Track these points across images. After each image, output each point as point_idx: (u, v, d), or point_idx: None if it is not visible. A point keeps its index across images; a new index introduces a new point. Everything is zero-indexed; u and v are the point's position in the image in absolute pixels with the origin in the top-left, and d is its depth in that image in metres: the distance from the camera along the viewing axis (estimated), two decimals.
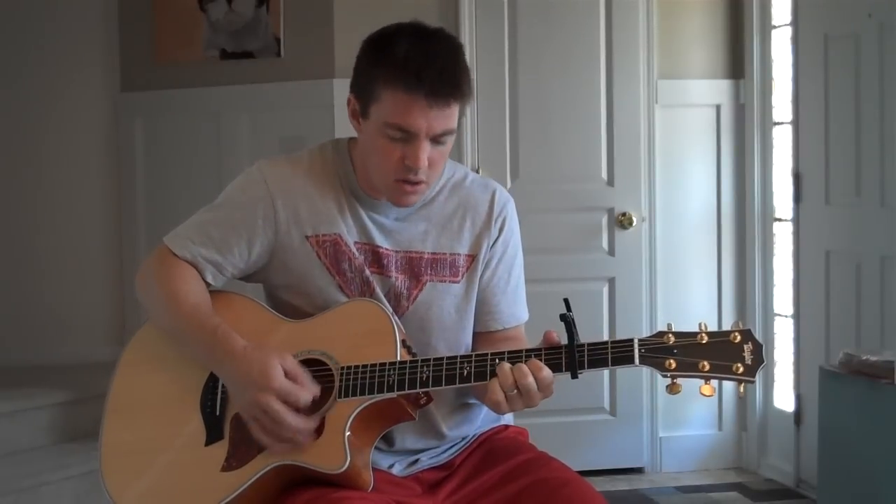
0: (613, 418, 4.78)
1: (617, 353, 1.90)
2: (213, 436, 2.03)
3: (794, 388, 4.55)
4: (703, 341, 1.88)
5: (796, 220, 4.51)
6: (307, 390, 1.95)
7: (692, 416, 4.76)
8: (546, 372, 1.90)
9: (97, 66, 4.96)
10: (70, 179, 4.96)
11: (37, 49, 4.91)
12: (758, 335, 5.13)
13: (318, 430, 1.96)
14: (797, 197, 4.49)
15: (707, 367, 1.86)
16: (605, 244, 4.75)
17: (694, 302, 4.83)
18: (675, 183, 4.79)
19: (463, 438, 2.20)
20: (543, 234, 4.57)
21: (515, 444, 2.18)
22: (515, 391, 1.89)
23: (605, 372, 4.51)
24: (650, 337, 1.90)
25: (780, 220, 4.71)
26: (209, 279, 2.11)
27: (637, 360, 1.88)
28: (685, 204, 4.81)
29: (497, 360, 1.92)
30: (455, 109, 2.02)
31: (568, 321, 1.90)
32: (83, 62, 4.96)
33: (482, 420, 2.21)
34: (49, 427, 4.19)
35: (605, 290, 4.76)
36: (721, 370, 1.86)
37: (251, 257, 2.11)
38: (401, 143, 2.00)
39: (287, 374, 1.95)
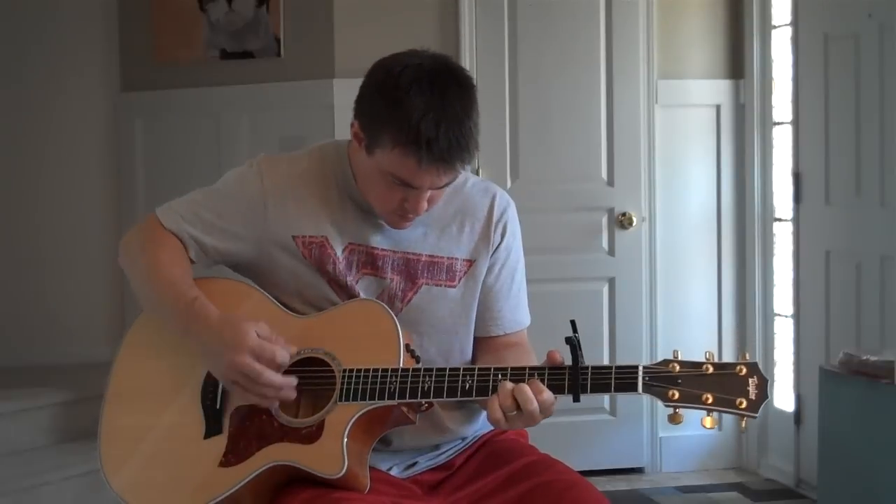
0: (613, 418, 4.78)
1: (620, 380, 1.89)
2: (211, 429, 2.03)
3: (794, 388, 4.55)
4: (709, 372, 1.86)
5: (796, 220, 4.51)
6: (282, 350, 1.96)
7: (692, 416, 4.75)
8: (547, 395, 1.89)
9: (97, 66, 4.96)
10: (70, 179, 4.96)
11: (37, 49, 4.90)
12: (758, 335, 5.13)
13: (318, 432, 1.96)
14: (797, 197, 4.49)
15: (710, 400, 1.85)
16: (605, 244, 4.75)
17: (694, 302, 4.83)
18: (675, 183, 4.79)
19: (462, 439, 2.19)
20: (543, 234, 4.57)
21: (517, 445, 2.17)
22: (515, 412, 1.88)
23: None
24: (655, 365, 1.89)
25: (780, 220, 4.71)
26: (192, 256, 2.12)
27: (640, 389, 1.88)
28: (685, 204, 4.81)
29: (500, 377, 1.91)
30: (460, 167, 2.00)
31: (573, 344, 1.89)
32: (83, 62, 4.96)
33: (482, 421, 2.20)
34: (49, 427, 4.19)
35: (605, 290, 4.76)
36: (724, 404, 1.84)
37: (234, 248, 2.12)
38: (402, 187, 2.00)
39: (260, 336, 1.96)
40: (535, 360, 2.12)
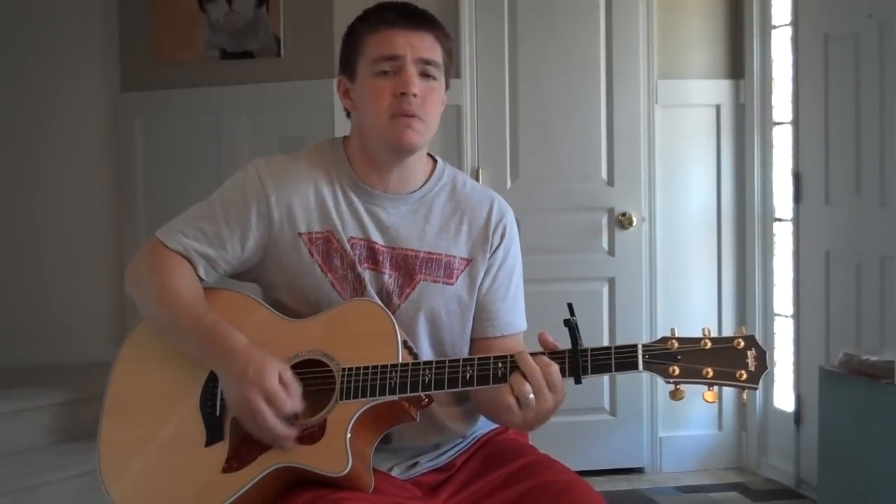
0: (613, 418, 4.78)
1: (620, 359, 1.90)
2: (212, 436, 2.03)
3: (794, 388, 4.55)
4: (707, 347, 1.88)
5: (796, 220, 4.51)
6: (293, 402, 1.96)
7: (692, 416, 4.76)
8: (555, 367, 1.90)
9: (97, 66, 4.96)
10: (70, 179, 4.96)
11: (37, 49, 4.91)
12: (758, 335, 5.12)
13: (320, 432, 1.96)
14: (797, 197, 4.49)
15: (710, 374, 1.87)
16: (605, 244, 4.75)
17: (694, 302, 4.83)
18: (675, 183, 4.79)
19: (463, 438, 2.19)
20: (543, 234, 4.58)
21: (516, 446, 2.18)
22: (531, 395, 1.88)
23: None
24: (653, 343, 1.90)
25: (780, 220, 4.71)
26: (201, 273, 2.11)
27: (641, 366, 1.88)
28: (685, 204, 4.81)
29: (500, 364, 1.92)
30: (434, 41, 2.11)
31: (572, 326, 1.90)
32: (83, 62, 4.96)
33: (482, 421, 2.21)
34: (49, 427, 4.19)
35: (605, 290, 4.76)
36: (724, 377, 1.86)
37: (244, 254, 2.12)
38: (390, 76, 2.07)
39: (281, 380, 1.96)
40: None
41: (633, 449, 4.79)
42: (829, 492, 3.77)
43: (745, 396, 1.88)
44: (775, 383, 4.73)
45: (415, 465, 2.15)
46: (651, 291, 4.77)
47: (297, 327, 2.07)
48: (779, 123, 4.70)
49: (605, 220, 4.75)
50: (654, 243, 4.77)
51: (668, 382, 1.88)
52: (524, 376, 1.89)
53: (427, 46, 2.09)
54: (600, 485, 4.46)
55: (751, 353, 1.87)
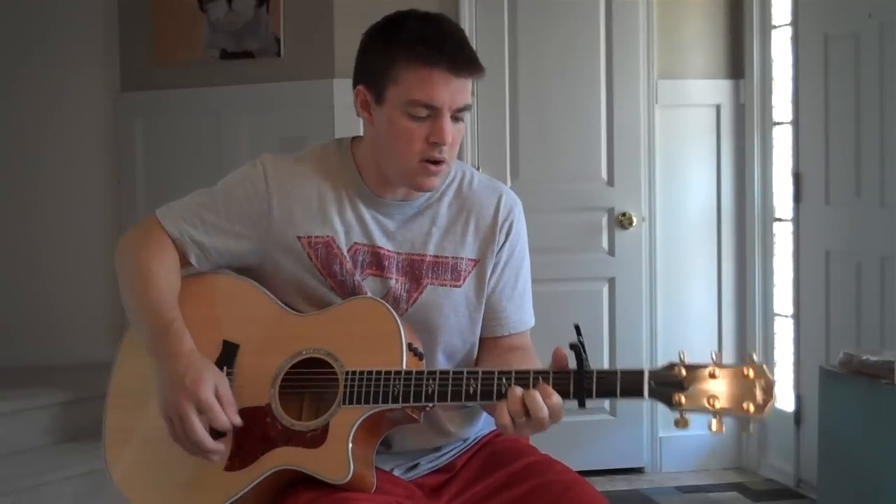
0: (613, 418, 4.78)
1: (626, 385, 1.85)
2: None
3: (794, 388, 4.55)
4: (715, 375, 1.82)
5: (796, 220, 4.51)
6: (227, 416, 1.94)
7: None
8: (556, 398, 1.85)
9: (97, 66, 4.96)
10: (70, 179, 4.96)
11: (37, 49, 4.90)
12: (758, 335, 5.11)
13: (322, 436, 1.95)
14: (797, 197, 4.49)
15: (717, 405, 1.81)
16: (605, 244, 4.75)
17: (694, 302, 4.83)
18: (675, 183, 4.79)
19: (464, 440, 2.18)
20: (543, 234, 4.57)
21: (517, 446, 2.16)
22: (524, 419, 1.86)
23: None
24: (660, 368, 1.85)
25: (780, 220, 4.71)
26: (193, 260, 2.10)
27: (646, 394, 1.83)
28: (685, 204, 4.81)
29: (505, 381, 1.89)
30: (471, 83, 2.03)
31: (578, 350, 1.86)
32: (83, 62, 4.96)
33: (483, 422, 2.20)
34: (49, 427, 4.19)
35: (605, 290, 4.76)
36: (731, 408, 1.81)
37: (238, 249, 2.10)
38: (424, 120, 2.00)
39: (217, 393, 1.94)
40: (539, 364, 2.09)
41: (633, 449, 4.79)
42: (829, 492, 3.77)
43: (751, 429, 1.84)
44: (775, 383, 4.72)
45: (415, 466, 2.14)
46: (651, 291, 4.77)
47: (301, 322, 2.05)
48: (779, 123, 4.70)
49: (605, 220, 4.75)
50: (654, 243, 4.77)
51: (674, 411, 1.83)
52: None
53: (466, 93, 2.02)
54: (600, 485, 4.45)
55: (759, 383, 1.81)
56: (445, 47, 1.98)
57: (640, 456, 4.81)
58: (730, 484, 4.65)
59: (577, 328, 1.87)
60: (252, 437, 1.98)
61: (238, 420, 1.96)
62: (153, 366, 2.02)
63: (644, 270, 4.77)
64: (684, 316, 4.80)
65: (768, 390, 1.82)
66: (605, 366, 4.58)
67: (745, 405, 1.81)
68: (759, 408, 1.81)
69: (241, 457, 1.99)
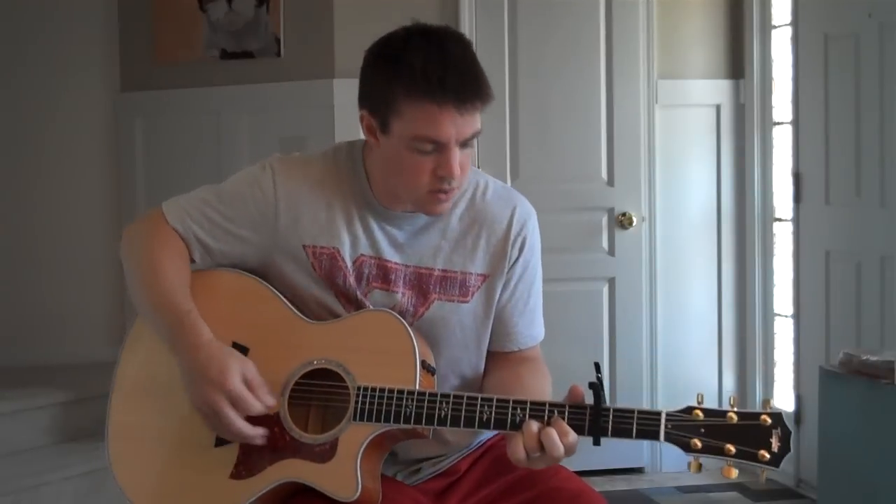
0: None
1: (643, 426, 1.87)
2: (222, 438, 1.98)
3: (794, 388, 4.55)
4: (732, 421, 1.82)
5: (796, 220, 4.51)
6: (260, 401, 1.92)
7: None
8: (572, 437, 1.85)
9: (97, 66, 4.96)
10: (70, 179, 4.96)
11: (37, 49, 4.90)
12: (758, 335, 5.10)
13: (331, 451, 1.92)
14: (797, 197, 4.49)
15: (732, 451, 1.81)
16: (605, 244, 4.75)
17: (694, 302, 4.83)
18: (675, 183, 4.79)
19: (467, 446, 2.17)
20: (543, 234, 4.49)
21: None
22: (539, 454, 1.85)
23: (605, 371, 4.52)
24: (678, 412, 1.85)
25: (780, 220, 4.71)
26: (196, 258, 2.07)
27: (662, 437, 1.85)
28: (685, 204, 4.81)
29: (520, 411, 1.87)
30: (480, 110, 1.95)
31: (597, 389, 1.86)
32: (83, 62, 4.96)
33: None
34: (49, 427, 4.18)
35: (605, 290, 4.76)
36: (746, 455, 1.81)
37: (241, 252, 2.06)
38: (431, 154, 1.93)
39: (245, 379, 1.92)
40: (548, 375, 2.10)
41: (633, 449, 4.79)
42: (829, 492, 3.77)
43: (763, 477, 1.83)
44: (775, 383, 4.72)
45: (418, 471, 2.13)
46: (651, 291, 4.77)
47: (313, 330, 2.01)
48: (779, 123, 4.70)
49: (605, 220, 4.75)
50: (654, 243, 4.77)
51: (689, 455, 1.84)
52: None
53: (474, 123, 1.93)
54: (600, 485, 4.46)
55: (776, 433, 1.80)
56: (450, 82, 1.89)
57: (640, 456, 4.81)
58: (730, 484, 4.65)
59: (597, 366, 1.88)
60: (259, 446, 1.95)
61: (271, 400, 1.94)
62: (164, 362, 1.99)
63: (644, 270, 4.77)
64: (684, 316, 4.80)
65: (785, 440, 1.81)
66: (606, 367, 4.59)
67: (760, 454, 1.81)
68: (776, 458, 1.81)
69: (247, 466, 1.96)
